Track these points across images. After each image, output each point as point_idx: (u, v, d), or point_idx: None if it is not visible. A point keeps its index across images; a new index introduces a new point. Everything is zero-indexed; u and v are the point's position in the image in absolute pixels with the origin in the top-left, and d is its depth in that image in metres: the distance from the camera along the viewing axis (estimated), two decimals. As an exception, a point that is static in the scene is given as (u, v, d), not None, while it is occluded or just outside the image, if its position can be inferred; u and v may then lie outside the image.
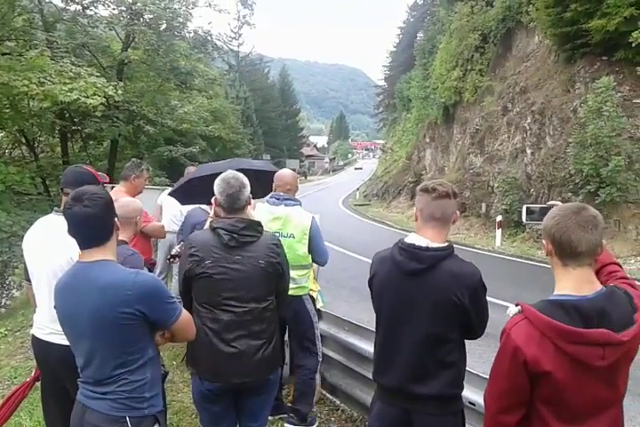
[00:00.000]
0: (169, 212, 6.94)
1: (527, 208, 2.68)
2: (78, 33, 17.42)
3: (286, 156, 64.44)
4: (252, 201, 3.19)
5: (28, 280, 3.17)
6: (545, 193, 15.50)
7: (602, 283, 1.93)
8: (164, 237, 5.80)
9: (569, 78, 16.05)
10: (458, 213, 2.53)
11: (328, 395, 4.85)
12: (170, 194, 5.70)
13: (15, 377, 5.39)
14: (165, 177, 23.89)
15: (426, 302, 2.38)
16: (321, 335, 4.67)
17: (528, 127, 17.43)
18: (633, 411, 4.74)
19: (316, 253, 4.13)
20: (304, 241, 4.03)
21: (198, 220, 5.51)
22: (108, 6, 17.96)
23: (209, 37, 21.25)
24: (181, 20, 18.85)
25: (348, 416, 4.50)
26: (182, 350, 5.03)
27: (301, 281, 4.10)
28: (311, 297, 4.30)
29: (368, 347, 3.92)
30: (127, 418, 2.28)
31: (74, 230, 2.31)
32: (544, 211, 2.32)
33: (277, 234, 3.90)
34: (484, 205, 19.34)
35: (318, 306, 4.44)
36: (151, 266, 5.12)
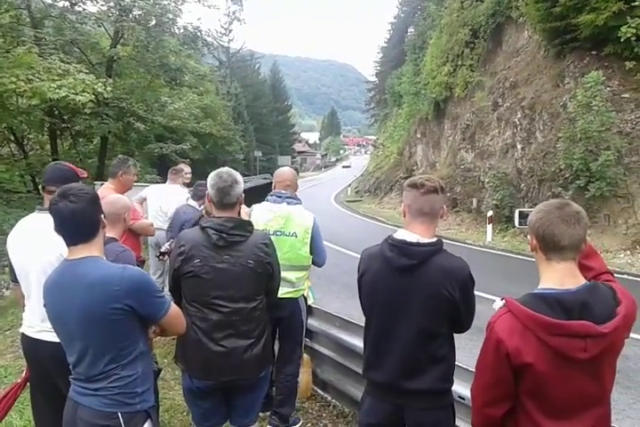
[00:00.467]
0: (151, 207, 6.93)
1: (520, 212, 2.69)
2: (67, 29, 17.26)
3: (278, 152, 64.27)
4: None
5: (15, 281, 3.14)
6: (535, 188, 15.57)
7: None
8: (153, 235, 5.77)
9: (558, 73, 16.10)
10: (445, 207, 2.55)
11: (319, 391, 4.86)
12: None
13: (5, 376, 5.36)
14: (156, 174, 23.79)
15: (417, 297, 2.39)
16: (312, 331, 4.68)
17: (518, 122, 17.48)
18: (622, 404, 4.78)
19: (316, 252, 4.12)
20: (306, 240, 4.01)
21: (187, 217, 5.52)
22: (97, 2, 17.81)
23: (199, 33, 21.11)
24: (171, 15, 18.71)
25: (339, 412, 4.51)
26: (174, 348, 5.02)
27: (299, 284, 4.09)
28: (303, 295, 4.30)
29: (359, 343, 3.91)
30: (119, 414, 2.29)
31: (60, 227, 2.31)
32: None
33: (279, 233, 3.91)
34: (474, 201, 19.40)
35: (309, 302, 4.45)
36: (141, 263, 5.10)
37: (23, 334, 3.07)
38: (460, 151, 22.51)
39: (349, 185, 46.31)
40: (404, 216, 2.52)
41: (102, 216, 2.40)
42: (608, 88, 13.52)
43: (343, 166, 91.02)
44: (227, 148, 40.75)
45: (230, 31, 54.61)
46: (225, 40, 54.33)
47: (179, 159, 21.69)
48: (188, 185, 7.36)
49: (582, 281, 1.88)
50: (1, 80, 11.79)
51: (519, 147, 17.25)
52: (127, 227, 3.50)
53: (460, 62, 24.11)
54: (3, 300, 10.41)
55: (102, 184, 6.10)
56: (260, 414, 3.76)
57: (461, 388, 2.91)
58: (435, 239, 2.45)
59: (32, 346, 2.98)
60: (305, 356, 4.57)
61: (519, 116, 17.47)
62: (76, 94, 12.59)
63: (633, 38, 12.71)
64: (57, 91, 12.31)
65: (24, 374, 3.20)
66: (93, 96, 13.49)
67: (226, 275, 2.83)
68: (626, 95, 13.79)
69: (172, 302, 2.52)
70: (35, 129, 18.14)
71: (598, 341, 1.76)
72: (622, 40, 12.86)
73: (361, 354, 2.80)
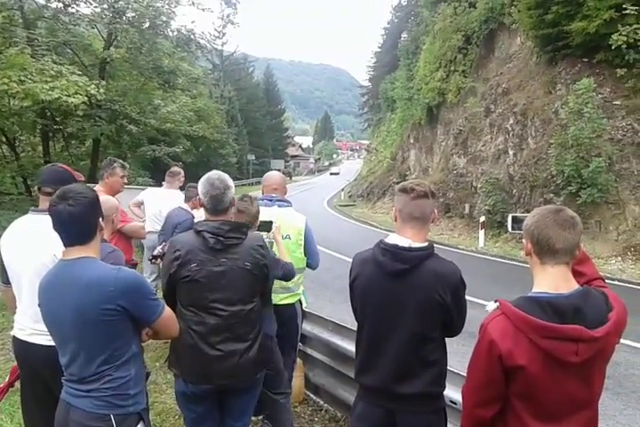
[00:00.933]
0: (149, 211, 6.89)
1: (513, 217, 2.70)
2: (60, 31, 17.27)
3: (271, 156, 64.36)
4: None
5: (6, 283, 3.10)
6: (527, 194, 15.63)
7: None
8: (144, 238, 5.74)
9: (550, 80, 16.20)
10: (436, 212, 2.56)
11: (311, 395, 4.85)
12: None
13: (-5, 379, 5.31)
14: (149, 177, 23.73)
15: (410, 301, 2.40)
16: (305, 336, 4.67)
17: (510, 128, 17.57)
18: (612, 410, 4.80)
19: (310, 255, 4.13)
20: (300, 242, 4.03)
21: (179, 220, 5.51)
22: (90, 4, 17.87)
23: (192, 36, 21.18)
24: (164, 18, 18.78)
25: (331, 416, 4.51)
26: (165, 351, 5.00)
27: (295, 289, 4.09)
28: (299, 300, 4.29)
29: (351, 347, 3.91)
30: (111, 416, 2.28)
31: (57, 228, 2.32)
32: None
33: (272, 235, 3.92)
34: (467, 206, 19.45)
35: (303, 306, 4.45)
36: (133, 266, 5.08)
37: (14, 336, 3.03)
38: (452, 157, 22.58)
39: (342, 189, 46.36)
40: (395, 221, 2.53)
41: (100, 219, 2.40)
42: (599, 95, 13.62)
43: (331, 173, 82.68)
44: (220, 151, 40.79)
45: (224, 34, 54.78)
46: (219, 43, 54.48)
47: (171, 162, 21.69)
48: (180, 188, 7.34)
49: (575, 286, 1.90)
50: (-7, 81, 11.74)
51: (511, 153, 17.32)
52: (116, 228, 3.49)
53: (452, 68, 24.23)
54: (-8, 302, 10.31)
55: (94, 186, 6.07)
56: (253, 418, 3.74)
57: (453, 392, 2.92)
58: (426, 244, 2.45)
59: (23, 349, 2.95)
60: (297, 360, 4.56)
61: (511, 122, 17.55)
62: (69, 96, 12.58)
63: (624, 46, 12.81)
64: (49, 92, 12.29)
65: (8, 377, 3.17)
66: (86, 98, 13.48)
67: (223, 278, 2.84)
68: (617, 102, 13.89)
69: (166, 306, 2.51)
70: (27, 131, 18.09)
71: (590, 345, 1.78)
72: (614, 47, 12.97)
73: (353, 358, 2.80)
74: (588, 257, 2.19)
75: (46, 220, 2.35)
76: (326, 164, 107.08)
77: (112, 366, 2.29)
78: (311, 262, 4.18)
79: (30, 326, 2.88)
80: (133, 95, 19.51)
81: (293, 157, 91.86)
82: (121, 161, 5.14)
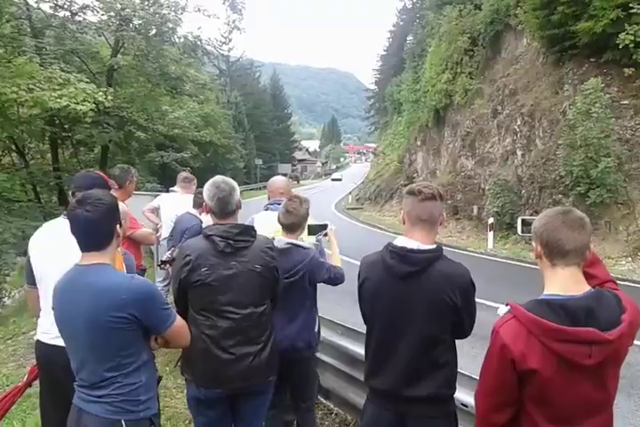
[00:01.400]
0: (166, 217, 6.86)
1: (523, 220, 2.69)
2: (67, 39, 17.38)
3: (278, 160, 64.44)
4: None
5: (31, 284, 3.14)
6: (536, 195, 15.57)
7: None
8: (153, 244, 5.76)
9: (557, 80, 16.15)
10: (445, 214, 2.55)
11: (321, 399, 4.83)
12: None
13: (7, 385, 5.33)
14: (157, 183, 23.82)
15: (420, 304, 2.39)
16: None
17: (518, 129, 17.52)
18: (625, 411, 4.76)
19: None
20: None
21: (188, 225, 5.51)
22: (97, 12, 17.92)
23: (199, 42, 21.25)
24: (171, 25, 18.82)
25: (341, 420, 4.49)
26: (175, 355, 5.01)
27: None
28: None
29: (361, 350, 3.90)
30: (122, 421, 2.29)
31: (74, 233, 2.34)
32: None
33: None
34: (475, 208, 19.39)
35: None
36: (142, 272, 5.10)
37: (39, 340, 3.05)
38: (460, 158, 22.54)
39: (350, 193, 46.31)
40: (404, 223, 2.53)
41: (118, 226, 2.41)
42: (607, 95, 13.55)
43: (333, 179, 74.31)
44: (227, 156, 40.89)
45: (230, 40, 54.80)
46: (225, 49, 54.58)
47: (179, 168, 21.79)
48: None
49: (587, 287, 1.88)
50: (2, 90, 11.85)
51: (519, 154, 17.27)
52: (125, 234, 3.51)
53: (459, 70, 24.19)
54: (4, 308, 10.39)
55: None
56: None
57: (464, 395, 2.90)
58: (434, 246, 2.45)
59: (48, 353, 2.95)
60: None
61: (519, 123, 17.51)
62: (77, 104, 12.66)
63: (631, 45, 12.77)
64: (58, 100, 12.37)
65: (25, 378, 3.18)
66: (94, 105, 13.54)
67: (234, 281, 2.84)
68: (625, 102, 13.83)
69: (178, 315, 2.52)
70: (36, 138, 18.20)
71: (604, 348, 1.76)
72: (621, 47, 12.93)
73: (363, 361, 2.79)
74: (599, 259, 2.17)
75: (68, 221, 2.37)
76: (333, 167, 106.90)
77: (121, 374, 2.29)
78: None
79: (55, 330, 2.90)
80: (141, 102, 19.58)
81: (300, 160, 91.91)
82: (133, 168, 5.23)
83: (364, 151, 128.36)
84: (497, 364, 1.88)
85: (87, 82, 14.05)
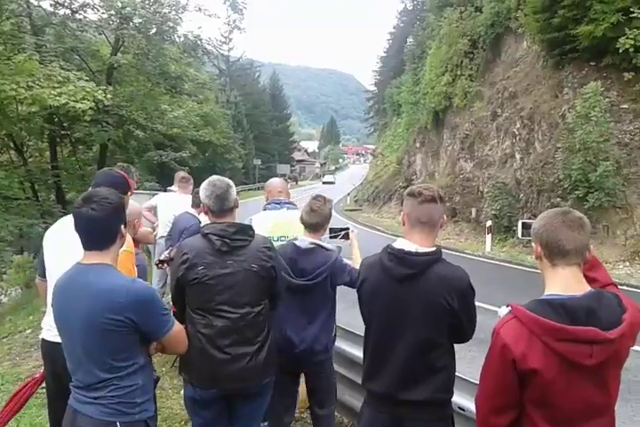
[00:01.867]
0: (163, 216, 6.86)
1: (523, 223, 2.68)
2: (67, 37, 17.38)
3: (277, 160, 64.42)
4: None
5: (42, 276, 3.17)
6: (534, 198, 15.58)
7: None
8: (152, 243, 5.75)
9: (557, 84, 16.17)
10: (445, 217, 2.54)
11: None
12: None
13: (2, 384, 5.32)
14: (155, 182, 23.79)
15: (416, 306, 2.38)
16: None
17: (517, 132, 17.53)
18: (622, 416, 4.72)
19: None
20: None
21: (186, 224, 5.51)
22: (98, 10, 17.93)
23: (199, 42, 21.27)
24: (171, 24, 18.84)
25: (338, 422, 4.47)
26: (171, 356, 4.99)
27: None
28: None
29: (358, 353, 3.89)
30: (118, 423, 2.27)
31: (78, 231, 2.32)
32: None
33: (283, 238, 3.94)
34: (474, 210, 19.40)
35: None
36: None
37: (43, 339, 3.07)
38: (459, 161, 22.55)
39: (348, 194, 46.32)
40: (404, 225, 2.52)
41: (122, 226, 2.38)
42: (607, 99, 13.57)
43: (324, 182, 69.46)
44: (226, 156, 40.88)
45: (230, 40, 54.83)
46: (225, 48, 54.59)
47: (178, 167, 21.77)
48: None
49: (588, 288, 1.88)
50: (1, 87, 11.84)
51: (518, 157, 17.28)
52: (136, 233, 3.50)
53: (459, 72, 24.22)
54: (0, 307, 10.37)
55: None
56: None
57: (461, 399, 2.89)
58: (433, 248, 2.43)
59: (51, 350, 2.94)
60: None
61: (518, 126, 17.52)
62: (77, 102, 12.65)
63: (631, 49, 12.79)
64: (57, 98, 12.36)
65: (42, 369, 3.18)
66: (93, 104, 13.52)
67: (230, 280, 2.84)
68: (624, 106, 13.85)
69: (177, 322, 2.50)
70: (34, 136, 18.20)
71: (605, 347, 1.76)
72: (621, 51, 12.96)
73: (360, 364, 2.78)
74: (599, 262, 2.17)
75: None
76: (332, 168, 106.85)
77: (117, 376, 2.27)
78: None
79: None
80: (140, 101, 19.56)
81: (299, 161, 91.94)
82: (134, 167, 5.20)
83: (363, 152, 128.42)
84: (498, 365, 1.86)
85: (87, 80, 14.04)
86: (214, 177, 3.05)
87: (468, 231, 19.57)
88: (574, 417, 1.84)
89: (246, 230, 2.96)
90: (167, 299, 4.84)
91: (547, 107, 16.21)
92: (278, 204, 4.18)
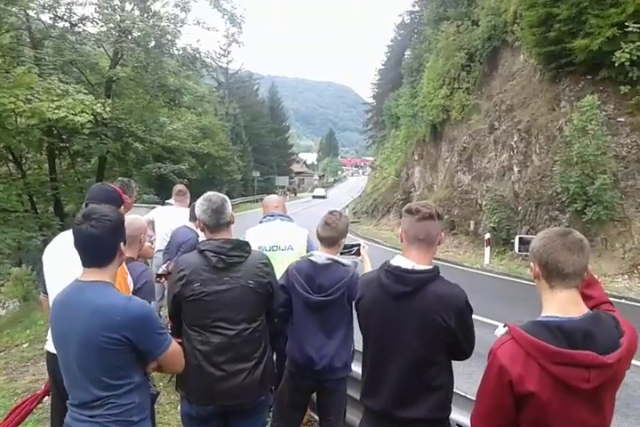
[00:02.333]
0: (160, 230, 6.84)
1: (520, 238, 2.67)
2: (66, 50, 17.43)
3: (276, 172, 64.50)
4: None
5: (45, 293, 3.19)
6: (532, 211, 15.59)
7: None
8: (151, 257, 5.74)
9: (554, 97, 16.24)
10: (443, 234, 2.53)
11: (316, 416, 4.78)
12: None
13: (-2, 399, 5.28)
14: (154, 194, 23.79)
15: (412, 324, 2.36)
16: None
17: (515, 145, 17.58)
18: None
19: None
20: (303, 252, 4.05)
21: (184, 238, 5.50)
22: (97, 24, 18.05)
23: (197, 55, 21.33)
24: (170, 37, 18.95)
25: (335, 438, 4.43)
26: (168, 370, 4.96)
27: None
28: None
29: (356, 368, 3.88)
30: None
31: (77, 248, 2.32)
32: None
33: (275, 248, 4.05)
34: (472, 223, 19.40)
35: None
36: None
37: (48, 351, 3.09)
38: (457, 173, 22.59)
39: (347, 206, 46.31)
40: (402, 242, 2.52)
41: (122, 244, 2.38)
42: (603, 112, 13.62)
43: (314, 196, 63.34)
44: (225, 168, 40.93)
45: (229, 52, 54.67)
46: (224, 61, 54.38)
47: (176, 179, 21.80)
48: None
49: (585, 310, 1.87)
50: (0, 100, 11.86)
51: (516, 170, 17.32)
52: (142, 248, 3.50)
53: (456, 85, 24.34)
54: (-2, 320, 10.29)
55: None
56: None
57: (459, 416, 2.87)
58: (430, 266, 2.42)
59: (54, 363, 2.91)
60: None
61: (515, 139, 17.57)
62: (75, 115, 12.70)
63: (627, 63, 12.86)
64: (56, 111, 12.41)
65: (44, 386, 3.16)
66: (92, 116, 13.56)
67: (226, 297, 2.83)
68: (621, 119, 13.90)
69: (174, 341, 2.48)
70: (33, 148, 18.21)
71: (602, 371, 1.74)
72: (617, 65, 13.02)
73: (359, 380, 2.76)
74: (596, 280, 2.16)
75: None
76: (331, 180, 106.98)
77: (114, 394, 2.25)
78: None
79: None
80: (139, 113, 19.64)
81: (298, 173, 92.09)
82: (133, 181, 5.21)
83: (362, 164, 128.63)
84: (494, 386, 1.85)
85: (86, 93, 14.11)
86: (210, 193, 3.07)
87: (466, 244, 19.56)
88: None
89: (242, 247, 2.96)
90: (165, 312, 4.83)
91: (544, 120, 16.28)
92: (272, 216, 4.34)
